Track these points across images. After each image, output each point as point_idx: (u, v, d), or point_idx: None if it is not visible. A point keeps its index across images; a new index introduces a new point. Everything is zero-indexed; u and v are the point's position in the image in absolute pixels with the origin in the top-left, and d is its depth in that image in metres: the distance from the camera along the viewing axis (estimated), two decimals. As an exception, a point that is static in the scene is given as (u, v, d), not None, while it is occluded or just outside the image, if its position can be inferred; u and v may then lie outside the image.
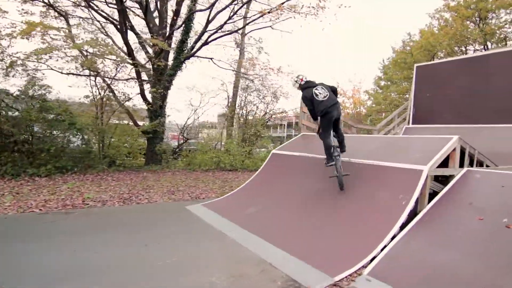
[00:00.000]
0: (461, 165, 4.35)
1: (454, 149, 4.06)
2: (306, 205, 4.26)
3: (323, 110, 4.28)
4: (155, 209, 5.04)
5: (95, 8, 8.25)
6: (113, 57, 8.46)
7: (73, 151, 7.87)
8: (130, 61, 8.41)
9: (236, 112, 14.12)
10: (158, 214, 4.72)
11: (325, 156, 4.48)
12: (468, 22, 14.62)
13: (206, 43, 9.61)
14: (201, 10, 8.99)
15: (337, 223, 3.60)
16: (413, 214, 3.50)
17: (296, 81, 4.58)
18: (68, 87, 12.74)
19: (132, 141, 10.35)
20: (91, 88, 8.62)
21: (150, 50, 9.90)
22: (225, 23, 9.41)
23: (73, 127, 7.43)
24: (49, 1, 9.23)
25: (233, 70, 13.80)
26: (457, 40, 13.31)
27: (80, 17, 10.64)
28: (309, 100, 4.40)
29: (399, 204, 3.42)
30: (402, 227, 3.23)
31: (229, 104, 14.22)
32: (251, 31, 14.70)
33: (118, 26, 8.46)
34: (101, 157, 8.87)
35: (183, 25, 9.12)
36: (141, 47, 9.75)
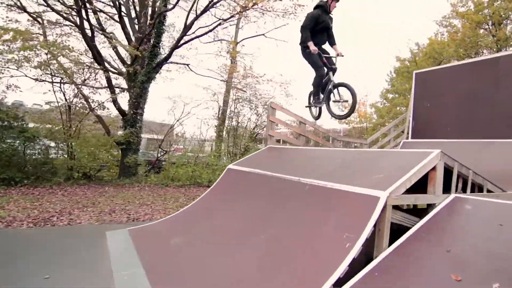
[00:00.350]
0: (448, 190, 3.21)
1: (434, 168, 2.94)
2: (234, 243, 3.22)
3: None
4: (64, 234, 4.12)
5: (55, 9, 7.78)
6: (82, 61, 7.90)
7: (22, 160, 7.19)
8: (97, 67, 7.82)
9: (226, 124, 13.36)
10: (59, 242, 3.79)
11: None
12: (481, 31, 13.41)
13: (177, 47, 8.96)
14: (167, 10, 8.37)
15: (255, 276, 2.54)
16: (364, 262, 2.41)
17: None
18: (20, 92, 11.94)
19: (105, 152, 9.64)
20: (54, 93, 8.04)
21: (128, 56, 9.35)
22: (192, 24, 8.71)
23: (21, 135, 6.77)
24: (21, 5, 8.92)
25: (224, 81, 13.13)
26: (466, 47, 12.08)
27: (66, 24, 10.33)
28: None
29: (342, 247, 2.34)
30: (339, 284, 2.15)
31: (219, 115, 13.48)
32: (244, 39, 14.11)
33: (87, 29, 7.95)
34: (62, 169, 8.17)
35: (155, 28, 8.52)
36: (115, 53, 9.22)
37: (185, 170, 9.53)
